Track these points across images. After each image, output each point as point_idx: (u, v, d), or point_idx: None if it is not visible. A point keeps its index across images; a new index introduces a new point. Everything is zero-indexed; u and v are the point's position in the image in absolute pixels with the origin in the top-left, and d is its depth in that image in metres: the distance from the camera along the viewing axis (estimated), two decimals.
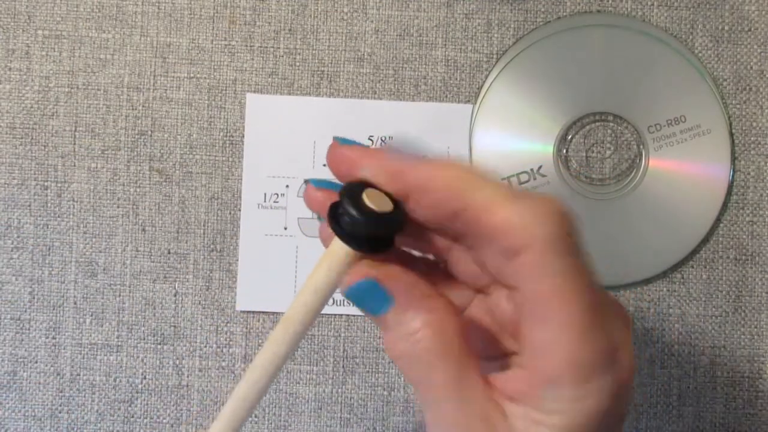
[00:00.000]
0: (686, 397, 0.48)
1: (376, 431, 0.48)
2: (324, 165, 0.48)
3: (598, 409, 0.27)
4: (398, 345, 0.28)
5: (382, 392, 0.48)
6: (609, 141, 0.48)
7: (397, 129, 0.48)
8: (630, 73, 0.48)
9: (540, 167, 0.48)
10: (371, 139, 0.48)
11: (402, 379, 0.48)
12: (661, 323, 0.48)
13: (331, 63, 0.49)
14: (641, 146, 0.48)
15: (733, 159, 0.48)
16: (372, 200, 0.28)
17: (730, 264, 0.48)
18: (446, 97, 0.49)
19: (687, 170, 0.48)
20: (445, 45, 0.49)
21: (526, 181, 0.48)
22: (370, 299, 0.29)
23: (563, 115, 0.48)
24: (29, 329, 0.48)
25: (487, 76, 0.48)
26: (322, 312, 0.30)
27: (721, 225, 0.48)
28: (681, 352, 0.48)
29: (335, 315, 0.48)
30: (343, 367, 0.48)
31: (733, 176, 0.48)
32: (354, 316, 0.48)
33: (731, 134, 0.48)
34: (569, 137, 0.48)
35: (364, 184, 0.29)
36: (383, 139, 0.48)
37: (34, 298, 0.48)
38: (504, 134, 0.48)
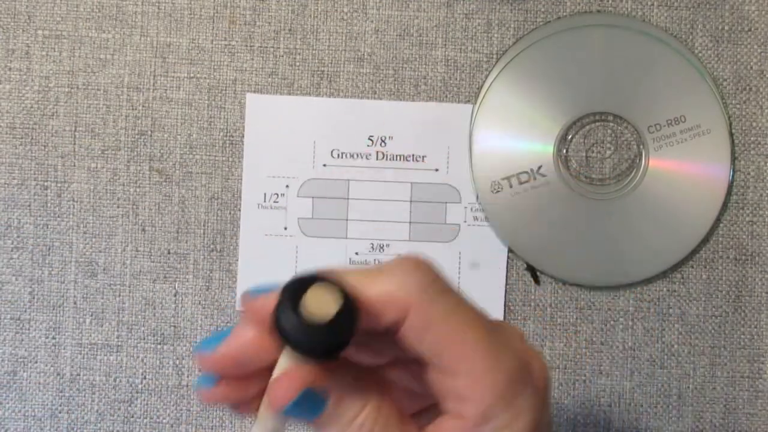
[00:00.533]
0: (686, 397, 0.48)
1: None
2: (324, 165, 0.48)
3: (532, 425, 0.27)
4: None
5: None
6: (609, 141, 0.48)
7: (397, 129, 0.48)
8: (630, 73, 0.48)
9: (540, 167, 0.48)
10: (371, 139, 0.48)
11: None
12: (661, 323, 0.48)
13: (331, 63, 0.49)
14: (641, 146, 0.48)
15: (733, 159, 0.48)
16: (315, 302, 0.25)
17: (730, 264, 0.48)
18: (446, 97, 0.49)
19: (687, 170, 0.48)
20: (445, 45, 0.49)
21: (526, 181, 0.48)
22: (308, 407, 0.27)
23: (563, 115, 0.48)
24: (29, 329, 0.48)
25: (487, 76, 0.48)
26: None
27: (721, 225, 0.48)
28: (681, 352, 0.48)
29: None
30: None
31: (733, 176, 0.48)
32: None
33: (731, 134, 0.48)
34: (569, 137, 0.48)
35: (310, 279, 0.26)
36: (383, 139, 0.48)
37: (34, 298, 0.48)
38: (504, 134, 0.48)
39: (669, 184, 0.48)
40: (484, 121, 0.48)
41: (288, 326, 0.25)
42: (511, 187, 0.48)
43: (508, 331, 0.29)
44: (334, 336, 0.25)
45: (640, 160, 0.48)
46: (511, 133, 0.48)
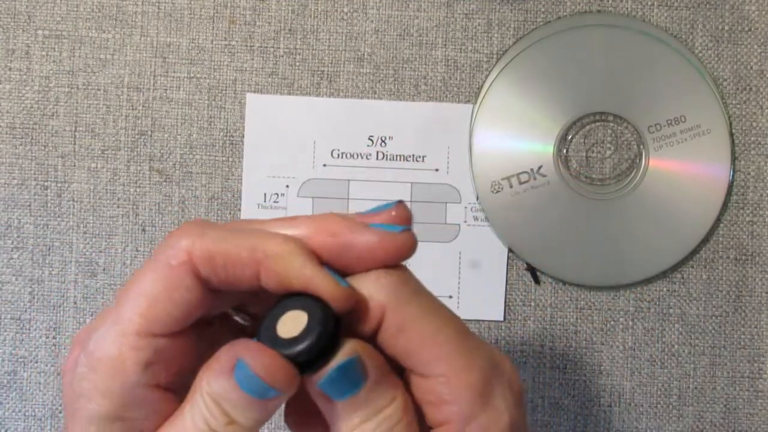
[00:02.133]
0: (686, 397, 0.48)
1: None
2: (324, 165, 0.48)
3: (511, 422, 0.27)
4: (365, 429, 0.26)
5: None
6: (609, 141, 0.48)
7: (397, 129, 0.48)
8: (630, 73, 0.48)
9: (540, 167, 0.48)
10: (371, 139, 0.48)
11: None
12: (661, 323, 0.48)
13: (331, 63, 0.49)
14: (641, 146, 0.48)
15: (733, 159, 0.48)
16: (288, 322, 0.26)
17: (730, 264, 0.48)
18: (446, 97, 0.49)
19: (687, 170, 0.48)
20: (445, 45, 0.49)
21: (526, 181, 0.48)
22: (347, 379, 0.26)
23: (563, 115, 0.48)
24: (29, 329, 0.48)
25: (487, 76, 0.48)
26: None
27: (721, 225, 0.48)
28: (681, 352, 0.48)
29: None
30: None
31: (733, 176, 0.48)
32: None
33: (731, 134, 0.48)
34: (569, 137, 0.48)
35: (290, 301, 0.27)
36: (383, 139, 0.48)
37: (34, 298, 0.48)
38: (504, 134, 0.48)
39: (669, 184, 0.48)
40: (484, 121, 0.48)
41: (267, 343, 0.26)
42: (511, 187, 0.48)
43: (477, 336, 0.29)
44: (307, 346, 0.26)
45: (640, 160, 0.48)
46: (511, 133, 0.48)
